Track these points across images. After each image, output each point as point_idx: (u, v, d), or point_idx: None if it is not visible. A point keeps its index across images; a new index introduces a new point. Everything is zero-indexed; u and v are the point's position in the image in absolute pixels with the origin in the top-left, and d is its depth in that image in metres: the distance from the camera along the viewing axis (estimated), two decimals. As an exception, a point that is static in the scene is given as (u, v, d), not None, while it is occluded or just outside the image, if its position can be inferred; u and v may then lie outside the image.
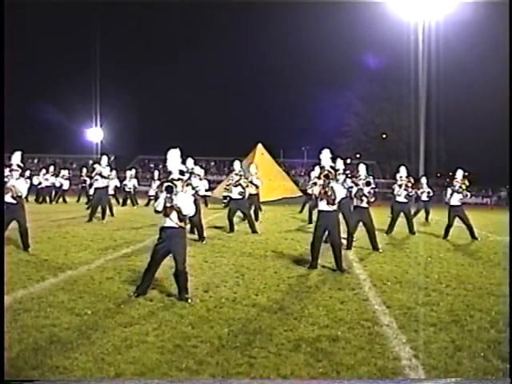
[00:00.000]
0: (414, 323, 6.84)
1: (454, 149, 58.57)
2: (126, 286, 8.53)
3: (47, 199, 30.38)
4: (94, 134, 64.95)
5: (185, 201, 7.85)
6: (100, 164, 20.20)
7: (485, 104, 55.67)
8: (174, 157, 8.28)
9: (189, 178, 13.78)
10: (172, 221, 7.85)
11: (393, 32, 45.11)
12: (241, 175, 16.42)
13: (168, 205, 7.75)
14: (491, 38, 49.20)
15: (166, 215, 7.83)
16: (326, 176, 10.77)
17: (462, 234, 17.46)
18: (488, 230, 19.94)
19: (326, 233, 10.99)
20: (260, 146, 37.86)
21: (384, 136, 69.04)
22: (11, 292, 7.61)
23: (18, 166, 11.79)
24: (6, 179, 11.44)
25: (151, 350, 5.53)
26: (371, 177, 13.94)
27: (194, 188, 13.79)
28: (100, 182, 19.63)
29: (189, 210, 7.87)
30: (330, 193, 10.54)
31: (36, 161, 61.35)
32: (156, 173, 33.92)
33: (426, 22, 40.09)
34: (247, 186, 16.52)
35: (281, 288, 8.73)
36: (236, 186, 16.30)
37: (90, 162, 57.05)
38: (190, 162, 15.04)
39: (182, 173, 8.25)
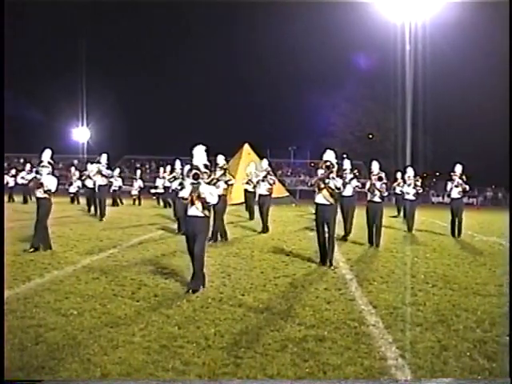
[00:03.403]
0: (401, 323, 6.86)
1: (440, 149, 58.82)
2: (112, 286, 8.52)
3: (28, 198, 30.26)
4: (81, 134, 64.80)
5: (209, 190, 8.38)
6: (100, 163, 21.06)
7: (472, 105, 55.96)
8: (199, 153, 8.84)
9: (223, 174, 14.52)
10: (197, 209, 8.44)
11: (379, 33, 45.20)
12: (268, 171, 17.14)
13: (194, 193, 8.37)
14: (478, 39, 49.49)
15: (192, 203, 8.45)
16: (328, 167, 11.03)
17: (448, 232, 17.63)
18: (474, 229, 20.03)
19: (325, 227, 11.25)
20: (247, 145, 37.79)
21: (370, 136, 69.18)
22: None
23: (49, 162, 12.41)
24: (38, 175, 12.22)
25: (137, 351, 5.52)
26: (383, 173, 14.73)
27: (226, 182, 14.36)
28: (100, 181, 20.55)
29: (212, 199, 8.41)
30: (331, 183, 10.94)
31: (22, 160, 61.04)
32: (138, 172, 33.86)
33: (412, 23, 40.26)
34: (274, 183, 17.17)
35: (267, 288, 8.73)
36: (264, 181, 16.99)
37: (75, 161, 56.81)
38: (220, 158, 15.35)
39: (206, 167, 8.77)
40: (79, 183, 30.45)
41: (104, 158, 21.10)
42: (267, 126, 69.30)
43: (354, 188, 16.32)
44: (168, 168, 29.84)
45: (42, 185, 11.96)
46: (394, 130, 55.94)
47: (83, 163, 42.32)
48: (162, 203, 29.97)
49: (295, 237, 16.11)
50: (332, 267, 10.89)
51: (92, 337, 5.92)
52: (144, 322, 6.53)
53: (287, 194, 39.24)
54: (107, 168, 21.22)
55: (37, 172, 12.52)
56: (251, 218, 21.40)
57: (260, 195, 17.31)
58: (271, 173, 17.18)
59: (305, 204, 33.76)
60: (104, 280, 8.96)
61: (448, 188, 17.81)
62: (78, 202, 30.64)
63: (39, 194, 12.05)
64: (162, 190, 29.35)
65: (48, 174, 12.25)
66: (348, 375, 5.09)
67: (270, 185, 16.98)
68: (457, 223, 17.62)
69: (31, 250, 11.72)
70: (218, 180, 13.04)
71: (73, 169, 33.22)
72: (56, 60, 70.13)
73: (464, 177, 17.67)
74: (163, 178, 29.10)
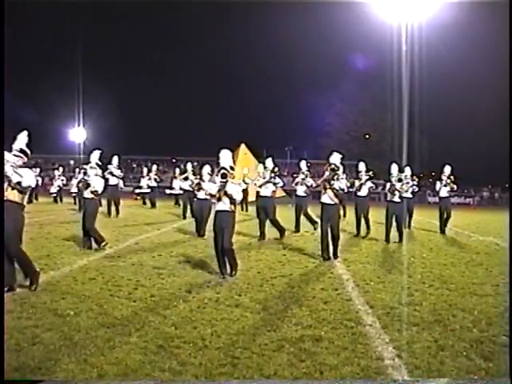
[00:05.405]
0: (397, 323, 6.86)
1: (436, 150, 58.81)
2: (109, 286, 8.51)
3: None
4: (77, 134, 64.67)
5: (234, 188, 9.47)
6: (111, 164, 22.32)
7: (468, 105, 56.05)
8: (225, 156, 9.81)
9: (273, 177, 15.56)
10: (225, 204, 9.44)
11: (376, 33, 45.21)
12: (306, 175, 17.16)
13: (221, 191, 9.36)
14: (474, 39, 49.57)
15: (219, 199, 9.45)
16: (332, 169, 11.77)
17: (445, 232, 17.69)
18: (470, 229, 20.09)
19: (329, 224, 11.86)
20: (243, 146, 37.81)
21: (367, 136, 69.24)
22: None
23: (97, 164, 13.08)
24: (86, 177, 12.73)
25: (134, 351, 5.51)
26: (403, 174, 16.31)
27: (275, 184, 15.58)
28: (111, 180, 21.65)
29: (238, 195, 9.48)
30: (335, 185, 11.67)
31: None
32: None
33: (408, 23, 40.18)
34: (311, 186, 17.38)
35: (264, 288, 8.73)
36: (302, 184, 17.18)
37: (72, 162, 56.77)
38: (269, 161, 16.03)
39: (232, 168, 9.70)
40: (60, 183, 31.86)
41: (115, 159, 22.42)
42: (264, 126, 69.36)
43: (368, 189, 17.23)
44: (154, 167, 30.18)
45: (89, 185, 12.38)
46: (391, 130, 55.87)
47: (80, 163, 42.20)
48: (146, 203, 30.21)
49: (292, 237, 16.11)
50: (337, 260, 11.79)
51: (89, 337, 5.91)
52: (141, 323, 6.52)
53: (283, 194, 39.16)
54: (118, 169, 22.24)
55: (84, 173, 12.96)
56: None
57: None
58: (309, 177, 17.35)
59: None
60: (100, 280, 8.96)
61: (437, 187, 18.79)
62: (62, 201, 31.64)
63: (86, 194, 12.51)
64: (148, 190, 29.46)
65: (96, 175, 12.77)
66: (345, 375, 5.08)
67: (308, 187, 17.39)
68: (444, 220, 18.39)
69: (86, 249, 12.30)
70: (267, 182, 15.10)
71: (61, 169, 33.25)
72: (53, 60, 70.12)
73: (452, 177, 18.43)
74: (149, 178, 29.29)
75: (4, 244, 7.53)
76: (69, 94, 57.47)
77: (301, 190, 17.17)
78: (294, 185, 17.70)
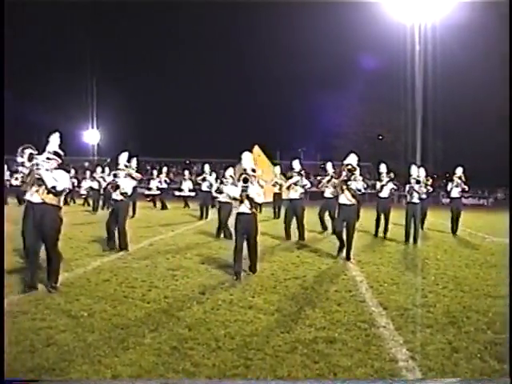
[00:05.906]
0: (411, 325, 6.85)
1: (450, 150, 58.46)
2: (123, 287, 8.53)
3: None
4: (91, 136, 64.84)
5: (256, 191, 9.72)
6: (130, 166, 21.90)
7: (481, 105, 55.68)
8: (247, 158, 10.17)
9: (301, 180, 15.67)
10: (246, 207, 9.67)
11: (388, 33, 44.96)
12: (332, 176, 17.04)
13: (243, 194, 9.55)
14: (487, 39, 49.26)
15: (241, 202, 9.65)
16: (349, 170, 11.87)
17: (459, 233, 17.60)
18: (485, 231, 19.98)
19: (344, 224, 12.00)
20: (256, 147, 37.70)
21: (380, 137, 68.96)
22: (8, 294, 7.59)
23: (125, 165, 13.37)
24: (116, 178, 12.74)
25: (148, 352, 5.53)
26: (420, 176, 16.67)
27: (302, 186, 15.68)
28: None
29: (259, 198, 9.75)
30: (352, 185, 11.89)
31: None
32: (106, 170, 34.14)
33: (422, 24, 39.99)
34: (335, 187, 17.31)
35: (277, 290, 8.72)
36: (327, 186, 17.11)
37: (86, 163, 56.95)
38: (296, 163, 16.21)
39: (253, 171, 10.00)
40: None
41: (134, 162, 22.22)
42: (276, 128, 69.13)
43: (390, 190, 17.51)
44: (164, 169, 30.30)
45: (118, 187, 12.45)
46: (405, 130, 55.60)
47: (94, 165, 42.38)
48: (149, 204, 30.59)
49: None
50: (351, 261, 11.78)
51: (102, 338, 5.94)
52: (154, 324, 6.54)
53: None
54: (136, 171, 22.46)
55: (114, 175, 13.03)
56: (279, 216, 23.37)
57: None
58: (335, 178, 17.41)
59: (315, 206, 33.65)
60: (114, 282, 8.99)
61: (448, 188, 19.13)
62: (74, 202, 31.67)
63: (115, 196, 12.56)
64: (157, 192, 29.42)
65: (125, 176, 12.91)
66: (358, 377, 5.08)
67: (334, 188, 17.36)
68: (455, 220, 18.66)
69: (109, 249, 12.43)
70: (295, 184, 15.25)
71: (72, 171, 33.44)
72: (66, 62, 70.31)
73: (463, 178, 18.80)
74: (160, 180, 29.31)
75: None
76: (83, 95, 57.61)
77: (328, 192, 17.18)
78: (320, 187, 17.77)
